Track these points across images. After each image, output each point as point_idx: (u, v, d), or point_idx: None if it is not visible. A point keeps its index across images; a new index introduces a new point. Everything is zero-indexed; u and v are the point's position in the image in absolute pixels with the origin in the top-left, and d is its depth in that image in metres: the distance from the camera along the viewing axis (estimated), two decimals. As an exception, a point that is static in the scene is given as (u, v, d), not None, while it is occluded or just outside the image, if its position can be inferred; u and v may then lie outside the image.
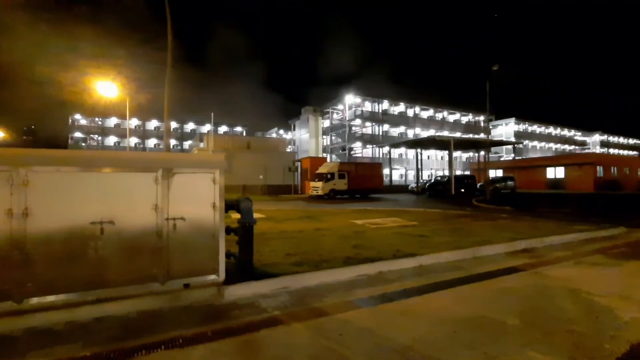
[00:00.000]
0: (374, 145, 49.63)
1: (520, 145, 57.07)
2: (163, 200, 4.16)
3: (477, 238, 7.92)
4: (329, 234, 8.72)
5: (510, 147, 52.11)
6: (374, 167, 31.86)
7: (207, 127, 62.44)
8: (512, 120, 61.71)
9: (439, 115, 58.33)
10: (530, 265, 5.91)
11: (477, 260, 6.24)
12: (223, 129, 66.32)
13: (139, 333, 3.25)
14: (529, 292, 4.55)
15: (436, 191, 31.25)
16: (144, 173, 4.15)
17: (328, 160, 43.96)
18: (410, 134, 54.33)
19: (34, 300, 3.61)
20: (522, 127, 63.14)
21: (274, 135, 67.05)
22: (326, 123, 55.38)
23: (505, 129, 62.19)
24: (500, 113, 63.28)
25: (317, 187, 27.78)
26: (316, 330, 3.39)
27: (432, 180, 35.29)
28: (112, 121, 59.19)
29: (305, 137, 56.84)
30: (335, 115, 53.94)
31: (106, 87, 24.88)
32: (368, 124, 50.66)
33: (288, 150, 43.37)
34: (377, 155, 49.31)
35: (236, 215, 4.83)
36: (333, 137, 53.60)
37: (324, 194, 26.94)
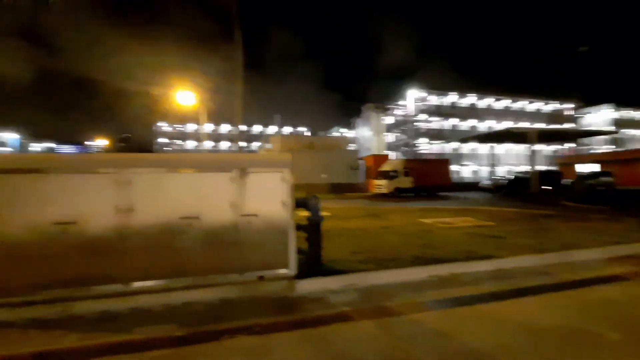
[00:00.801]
0: (441, 141, 47.12)
1: (617, 135, 49.22)
2: (238, 198, 4.49)
3: (566, 241, 7.07)
4: (394, 233, 8.54)
5: (602, 138, 45.26)
6: (441, 163, 30.27)
7: (272, 129, 65.48)
8: (605, 107, 53.50)
9: (516, 105, 53.10)
10: (636, 275, 5.10)
11: (567, 266, 5.57)
12: (288, 129, 68.91)
13: (222, 318, 3.57)
14: (635, 305, 3.93)
15: (515, 188, 28.41)
16: (222, 173, 4.52)
17: (392, 157, 42.96)
18: (483, 127, 50.41)
19: (137, 284, 4.17)
20: (619, 114, 54.40)
21: (335, 134, 67.66)
22: (389, 120, 54.14)
23: (596, 117, 54.17)
24: (591, 99, 55.33)
25: (381, 185, 27.34)
26: (385, 329, 3.37)
27: (510, 177, 32.18)
28: (191, 127, 65.37)
29: (367, 135, 56.29)
30: (398, 112, 52.45)
31: (185, 96, 27.47)
32: (434, 118, 48.25)
33: (350, 148, 43.40)
34: (444, 152, 46.74)
35: (304, 213, 5.00)
36: (396, 134, 52.18)
37: (388, 192, 26.40)
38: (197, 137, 64.05)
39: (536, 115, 52.71)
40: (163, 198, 4.29)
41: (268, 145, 43.68)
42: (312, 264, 4.87)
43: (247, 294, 4.29)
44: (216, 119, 62.60)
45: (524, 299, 4.15)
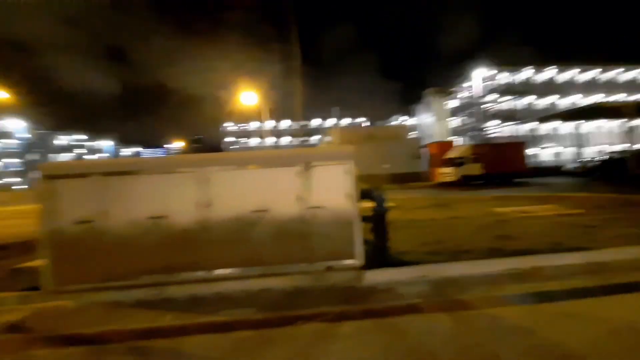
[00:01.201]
0: (514, 122, 42.93)
1: None
2: (304, 191, 4.64)
3: (679, 230, 6.01)
4: (465, 223, 8.08)
5: None
6: (514, 147, 27.61)
7: (330, 122, 65.87)
8: None
9: (606, 76, 46.03)
10: None
11: (681, 259, 4.75)
12: (346, 121, 68.78)
13: (296, 305, 3.76)
14: None
15: (609, 171, 24.75)
16: (288, 168, 4.71)
17: (458, 143, 40.39)
18: (565, 103, 44.72)
19: (218, 272, 4.59)
20: None
21: (395, 122, 65.71)
22: (453, 103, 50.85)
23: None
24: None
25: (446, 173, 25.98)
26: (461, 323, 3.23)
27: (603, 157, 28.01)
28: (253, 125, 68.88)
29: (429, 121, 53.63)
30: (463, 94, 48.95)
31: (247, 96, 28.96)
32: (505, 98, 44.08)
33: (411, 136, 41.82)
34: (518, 134, 42.55)
35: (369, 204, 4.99)
36: (462, 118, 48.84)
37: (455, 180, 24.96)
38: (259, 134, 67.36)
39: (632, 86, 45.06)
40: (236, 193, 4.63)
41: (327, 138, 44.15)
42: (379, 255, 4.86)
43: (317, 283, 4.44)
44: (277, 116, 65.10)
45: (624, 296, 3.65)
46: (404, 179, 31.30)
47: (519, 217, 8.63)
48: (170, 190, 4.60)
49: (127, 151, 78.98)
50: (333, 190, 4.68)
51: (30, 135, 54.26)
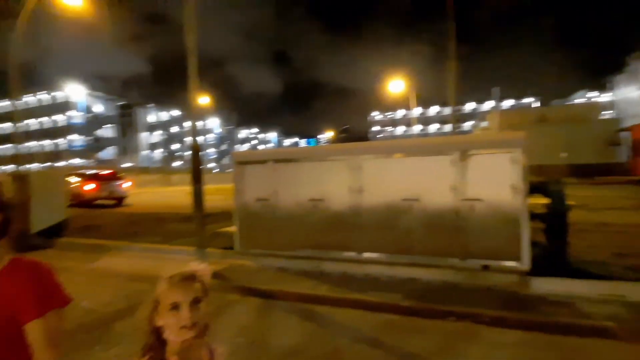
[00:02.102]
0: None
1: None
2: (459, 181, 4.30)
3: None
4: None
5: None
6: None
7: (488, 105, 58.29)
8: None
9: None
10: None
11: None
12: (509, 103, 59.43)
13: (446, 300, 3.59)
14: None
15: None
16: (442, 156, 4.45)
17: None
18: None
19: (367, 255, 4.82)
20: None
21: (579, 100, 52.49)
22: (680, 69, 36.65)
23: None
24: None
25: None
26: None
27: None
28: (399, 113, 67.85)
29: (635, 96, 40.38)
30: (701, 54, 34.59)
31: (395, 84, 28.65)
32: None
33: (604, 117, 32.64)
34: None
35: (540, 200, 4.22)
36: (696, 89, 34.79)
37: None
38: (406, 122, 65.88)
39: None
40: (387, 181, 4.71)
41: (484, 124, 39.28)
42: (553, 260, 4.07)
43: (470, 281, 4.11)
44: (425, 102, 62.08)
45: None
46: (589, 172, 24.80)
47: None
48: (327, 176, 5.07)
49: (288, 142, 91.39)
50: (495, 181, 4.17)
51: (221, 130, 69.42)
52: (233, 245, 5.70)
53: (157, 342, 0.94)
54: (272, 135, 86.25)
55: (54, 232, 7.98)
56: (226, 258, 5.63)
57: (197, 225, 5.16)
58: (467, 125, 60.05)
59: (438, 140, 5.32)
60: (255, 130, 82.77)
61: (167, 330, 0.91)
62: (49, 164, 38.29)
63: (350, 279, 4.47)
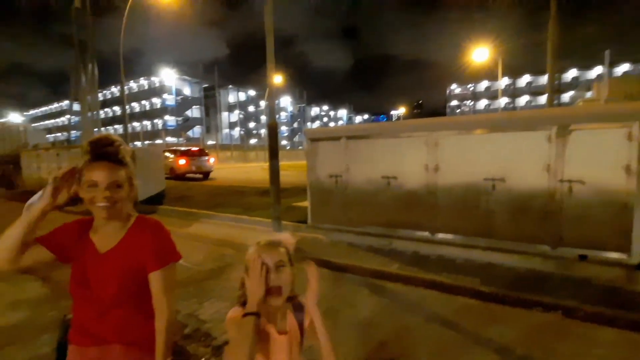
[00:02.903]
0: None
1: None
2: (556, 160, 3.81)
3: None
4: None
5: None
6: None
7: (595, 72, 49.66)
8: None
9: None
10: None
11: None
12: (622, 68, 49.72)
13: (529, 288, 3.30)
14: None
15: None
16: (534, 132, 3.97)
17: None
18: None
19: (441, 236, 4.64)
20: None
21: None
22: None
23: None
24: None
25: None
26: None
27: None
28: (482, 85, 61.59)
29: None
30: None
31: (478, 53, 26.00)
32: None
33: None
34: None
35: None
36: None
37: None
38: (490, 95, 59.70)
39: None
40: (467, 159, 4.39)
41: (588, 94, 33.62)
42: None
43: (561, 271, 3.69)
44: (513, 72, 55.25)
45: None
46: None
47: None
48: (401, 153, 4.92)
49: (358, 119, 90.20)
50: (602, 161, 3.61)
51: (292, 109, 71.32)
52: (306, 219, 5.96)
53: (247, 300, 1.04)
54: (343, 113, 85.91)
55: (156, 200, 9.26)
56: (299, 231, 5.92)
57: (273, 199, 5.49)
58: (566, 96, 52.13)
59: (530, 113, 4.75)
60: (326, 107, 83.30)
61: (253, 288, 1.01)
62: (148, 142, 43.93)
63: (422, 259, 4.36)
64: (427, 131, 4.71)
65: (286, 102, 67.06)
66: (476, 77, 56.69)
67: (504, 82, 56.90)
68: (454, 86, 65.30)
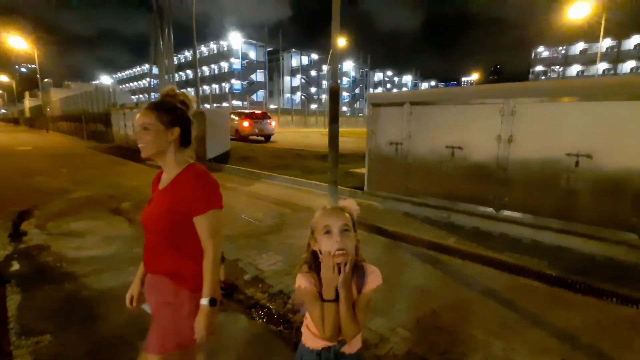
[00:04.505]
0: None
1: None
2: (664, 135, 3.22)
3: None
4: None
5: None
6: None
7: None
8: None
9: None
10: None
11: None
12: None
13: (608, 277, 2.97)
14: None
15: None
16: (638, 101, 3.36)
17: None
18: None
19: (506, 212, 4.31)
20: None
21: None
22: None
23: None
24: None
25: None
26: None
27: None
28: (577, 47, 53.12)
29: None
30: None
31: (576, 8, 22.26)
32: None
33: None
34: None
35: None
36: None
37: None
38: (586, 59, 51.39)
39: None
40: (548, 130, 3.92)
41: None
42: None
43: (652, 263, 3.24)
44: (617, 32, 46.48)
45: None
46: None
47: None
48: (470, 121, 4.55)
49: (424, 85, 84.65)
50: None
51: (354, 74, 69.12)
52: (362, 185, 5.94)
53: (313, 263, 1.09)
54: (408, 79, 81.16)
55: (222, 160, 9.93)
56: (355, 197, 5.95)
57: (331, 163, 5.53)
58: (688, 61, 42.84)
59: (635, 79, 4.02)
60: (390, 73, 79.27)
61: (321, 253, 1.04)
62: (216, 105, 46.42)
63: (483, 236, 4.14)
64: (504, 98, 4.25)
65: (348, 66, 65.07)
66: (569, 38, 49.06)
67: (605, 43, 48.24)
68: (540, 48, 57.28)
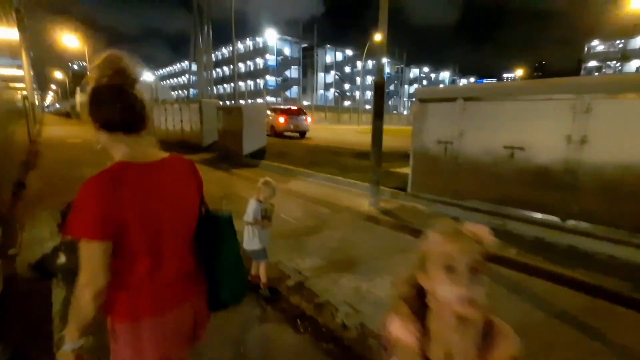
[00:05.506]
0: None
1: None
2: None
3: None
4: None
5: None
6: None
7: None
8: None
9: None
10: None
11: None
12: None
13: None
14: None
15: None
16: None
17: None
18: None
19: (574, 222, 3.83)
20: None
21: None
22: None
23: None
24: None
25: None
26: None
27: None
28: (637, 41, 48.51)
29: None
30: None
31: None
32: None
33: None
34: None
35: None
36: None
37: None
38: (645, 54, 46.73)
39: None
40: (631, 131, 3.40)
41: None
42: None
43: None
44: (689, 22, 41.74)
45: None
46: None
47: None
48: (534, 119, 4.09)
49: (463, 82, 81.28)
50: None
51: (389, 70, 67.62)
52: (405, 186, 5.60)
53: (415, 300, 0.80)
54: (445, 75, 78.27)
55: (258, 155, 9.91)
56: (397, 198, 5.63)
57: (373, 161, 5.24)
58: None
59: None
60: (426, 69, 76.80)
61: (435, 296, 0.75)
62: (251, 101, 47.24)
63: (546, 247, 3.69)
64: (576, 93, 3.76)
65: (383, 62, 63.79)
66: (627, 32, 45.04)
67: (672, 35, 43.61)
68: (595, 42, 52.93)
